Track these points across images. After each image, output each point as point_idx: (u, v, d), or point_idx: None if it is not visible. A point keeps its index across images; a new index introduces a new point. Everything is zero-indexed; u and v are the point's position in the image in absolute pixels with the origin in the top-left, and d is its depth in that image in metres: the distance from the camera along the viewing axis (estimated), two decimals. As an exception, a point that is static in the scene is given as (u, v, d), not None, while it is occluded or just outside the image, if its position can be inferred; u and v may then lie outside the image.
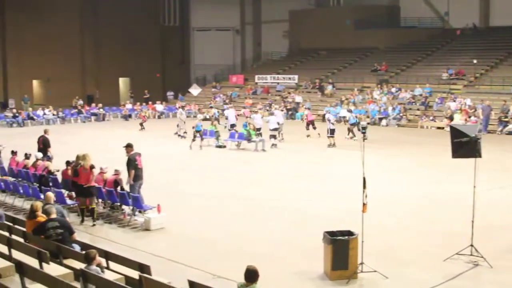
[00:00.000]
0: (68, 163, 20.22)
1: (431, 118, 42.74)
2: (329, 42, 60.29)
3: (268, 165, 27.89)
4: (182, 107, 45.16)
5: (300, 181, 23.71)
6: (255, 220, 17.93)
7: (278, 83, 57.36)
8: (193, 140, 32.49)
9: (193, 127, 32.67)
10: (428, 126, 42.08)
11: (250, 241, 15.68)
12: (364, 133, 13.94)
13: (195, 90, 55.74)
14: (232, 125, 36.60)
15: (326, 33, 60.29)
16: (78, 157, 18.30)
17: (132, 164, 18.35)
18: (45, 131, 26.07)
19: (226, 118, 37.85)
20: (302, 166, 27.23)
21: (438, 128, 40.90)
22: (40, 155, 23.14)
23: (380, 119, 44.21)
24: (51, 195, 14.33)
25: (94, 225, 17.45)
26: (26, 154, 23.79)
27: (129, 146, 18.91)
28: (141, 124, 41.76)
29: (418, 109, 44.99)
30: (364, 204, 13.08)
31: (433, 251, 14.37)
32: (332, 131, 32.67)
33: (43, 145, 25.34)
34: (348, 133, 34.93)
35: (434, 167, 26.09)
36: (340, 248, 12.54)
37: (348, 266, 12.59)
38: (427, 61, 54.05)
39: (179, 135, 37.24)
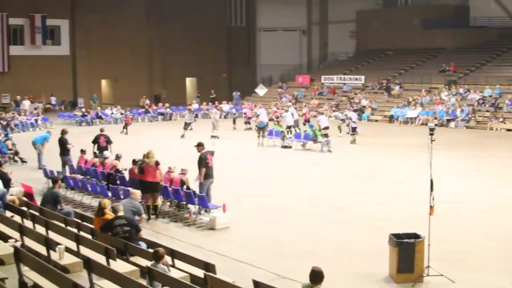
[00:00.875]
0: (134, 161, 20.50)
1: (501, 119, 41.79)
2: (396, 42, 59.66)
3: (333, 166, 27.75)
4: (216, 107, 44.57)
5: (366, 183, 23.53)
6: (320, 221, 17.83)
7: (344, 83, 56.97)
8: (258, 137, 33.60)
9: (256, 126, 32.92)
10: (497, 128, 41.19)
11: (315, 242, 15.61)
12: (431, 134, 13.72)
13: (261, 90, 55.79)
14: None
15: (393, 33, 59.67)
16: (143, 155, 18.61)
17: (203, 162, 18.50)
18: (101, 130, 26.44)
19: (257, 116, 36.98)
20: (368, 167, 26.98)
21: (508, 130, 40.06)
22: (108, 153, 23.56)
23: (448, 120, 43.45)
24: (137, 192, 14.77)
25: (151, 220, 17.83)
26: (94, 153, 24.26)
27: (200, 145, 19.14)
28: (124, 127, 40.81)
29: (487, 111, 44.04)
30: (431, 207, 12.90)
31: (501, 255, 14.08)
32: (354, 129, 34.58)
33: (106, 142, 25.81)
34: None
35: (503, 170, 25.57)
36: (406, 251, 12.37)
37: (414, 269, 12.42)
38: (497, 61, 52.91)
39: (212, 136, 35.15)
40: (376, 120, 47.89)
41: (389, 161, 28.75)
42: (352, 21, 65.04)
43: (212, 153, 18.99)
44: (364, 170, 26.29)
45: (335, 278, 11.96)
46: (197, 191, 18.36)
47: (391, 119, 46.84)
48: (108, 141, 25.82)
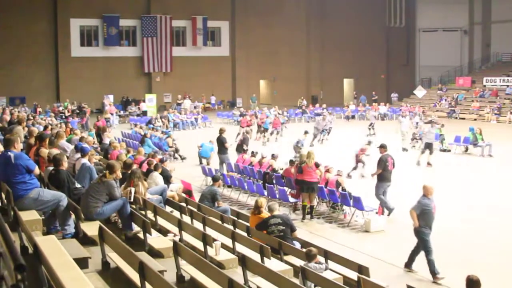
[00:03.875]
0: (291, 162, 20.66)
1: None
2: None
3: (493, 170, 26.71)
4: (403, 116, 38.38)
5: None
6: (481, 229, 17.20)
7: (507, 85, 54.80)
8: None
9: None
10: None
11: (476, 250, 15.10)
12: None
13: (420, 92, 54.70)
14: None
15: (562, 33, 56.82)
16: (302, 155, 18.75)
17: (382, 164, 18.54)
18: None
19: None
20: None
21: None
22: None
23: None
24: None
25: (306, 220, 17.99)
26: (252, 152, 24.64)
27: (382, 147, 19.24)
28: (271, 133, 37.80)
29: None
30: None
31: None
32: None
33: (242, 142, 26.57)
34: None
35: None
36: None
37: None
38: None
39: (403, 149, 32.28)
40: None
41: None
42: (517, 20, 62.48)
43: (392, 157, 18.80)
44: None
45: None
46: (374, 192, 18.49)
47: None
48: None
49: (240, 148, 26.41)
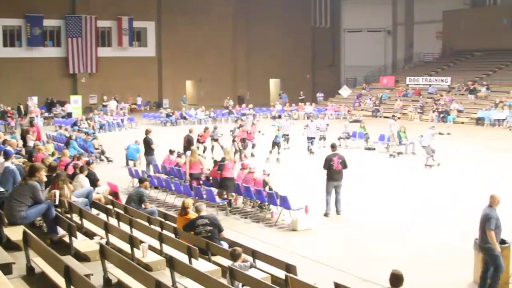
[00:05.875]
0: (215, 162, 20.75)
1: None
2: (484, 42, 58.19)
3: (416, 169, 27.22)
4: (393, 116, 37.00)
5: (460, 186, 23.21)
6: (404, 225, 17.57)
7: (430, 85, 56.06)
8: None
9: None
10: None
11: (397, 244, 15.42)
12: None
13: (345, 92, 55.50)
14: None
15: (481, 34, 58.21)
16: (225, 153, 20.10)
17: (326, 163, 18.77)
18: (190, 131, 26.79)
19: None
20: (458, 171, 26.52)
21: None
22: (189, 153, 23.79)
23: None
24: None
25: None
26: (178, 153, 24.59)
27: (332, 146, 19.68)
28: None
29: None
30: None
31: None
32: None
33: (188, 143, 26.22)
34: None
35: None
36: (492, 257, 12.03)
37: (500, 275, 12.07)
38: None
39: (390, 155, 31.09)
40: (462, 123, 46.87)
41: (476, 165, 28.04)
42: (438, 21, 63.85)
43: (339, 156, 18.93)
44: (456, 175, 25.79)
45: (417, 282, 11.80)
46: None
47: (478, 121, 45.75)
48: (190, 142, 26.21)
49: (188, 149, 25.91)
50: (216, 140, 30.55)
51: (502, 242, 12.22)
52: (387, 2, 68.95)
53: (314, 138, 31.91)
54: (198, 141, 29.05)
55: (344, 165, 18.71)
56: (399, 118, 47.38)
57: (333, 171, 18.58)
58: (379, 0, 67.43)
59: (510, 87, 49.85)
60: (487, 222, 11.73)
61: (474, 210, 18.81)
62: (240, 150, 29.60)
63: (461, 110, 48.21)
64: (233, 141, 29.82)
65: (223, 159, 20.09)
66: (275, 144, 29.47)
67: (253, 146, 30.77)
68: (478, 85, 52.41)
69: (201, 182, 20.82)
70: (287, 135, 32.66)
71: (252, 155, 30.28)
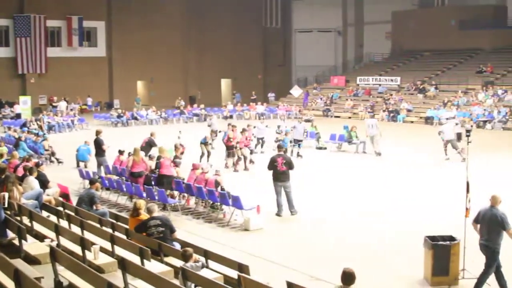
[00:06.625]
0: (158, 158, 20.81)
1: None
2: (433, 43, 59.15)
3: (367, 169, 27.49)
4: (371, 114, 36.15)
5: (399, 185, 23.43)
6: (356, 224, 17.73)
7: (380, 84, 56.69)
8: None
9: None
10: (535, 130, 40.83)
11: (350, 244, 15.55)
12: (468, 136, 13.62)
13: (296, 91, 55.69)
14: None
15: (429, 34, 59.16)
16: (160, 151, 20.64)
17: (270, 164, 18.84)
18: (151, 134, 26.59)
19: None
20: (401, 171, 26.79)
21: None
22: (142, 153, 23.64)
23: (485, 122, 42.98)
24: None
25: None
26: (129, 153, 24.40)
27: (278, 147, 19.97)
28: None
29: (525, 112, 43.58)
30: (467, 209, 12.78)
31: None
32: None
33: (147, 144, 25.90)
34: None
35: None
36: (441, 254, 12.26)
37: (449, 272, 12.30)
38: (535, 62, 52.34)
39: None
40: (412, 122, 47.51)
41: (421, 164, 28.38)
42: (388, 22, 64.66)
43: (283, 157, 18.93)
44: (400, 174, 26.12)
45: (369, 280, 11.93)
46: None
47: (427, 120, 46.41)
48: (151, 144, 25.91)
49: (147, 151, 25.49)
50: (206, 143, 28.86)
51: (452, 239, 12.45)
52: (337, 3, 69.53)
53: (301, 141, 30.91)
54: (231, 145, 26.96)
55: (289, 166, 18.76)
56: (349, 117, 47.94)
57: (278, 172, 18.62)
58: (330, 1, 67.95)
59: (458, 86, 50.66)
60: (504, 223, 11.60)
61: (426, 207, 19.28)
62: (245, 158, 27.01)
63: (410, 109, 48.82)
64: (234, 147, 26.87)
65: (158, 157, 20.33)
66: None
67: (251, 152, 28.31)
68: (427, 84, 53.18)
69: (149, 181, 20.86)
70: (262, 138, 31.59)
71: (251, 161, 27.85)
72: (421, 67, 59.23)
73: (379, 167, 27.63)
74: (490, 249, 11.76)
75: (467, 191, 12.79)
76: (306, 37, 71.10)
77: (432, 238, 12.50)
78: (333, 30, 71.13)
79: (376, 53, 66.46)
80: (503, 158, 29.29)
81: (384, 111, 49.27)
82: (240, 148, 26.85)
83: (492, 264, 11.76)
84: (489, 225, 11.75)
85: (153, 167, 21.11)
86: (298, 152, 30.13)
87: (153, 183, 20.56)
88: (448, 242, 12.34)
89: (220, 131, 31.68)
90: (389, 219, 18.15)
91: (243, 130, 27.68)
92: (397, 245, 15.26)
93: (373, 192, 22.19)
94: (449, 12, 61.42)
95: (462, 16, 58.35)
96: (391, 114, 48.63)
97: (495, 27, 56.72)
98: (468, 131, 14.00)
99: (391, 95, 52.73)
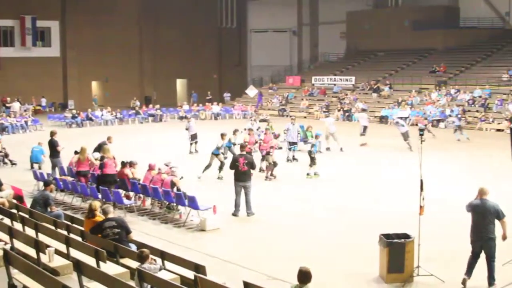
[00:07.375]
0: (123, 163, 20.58)
1: (490, 120, 42.07)
2: (386, 43, 59.89)
3: (323, 167, 27.63)
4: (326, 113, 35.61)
5: (355, 183, 23.64)
6: (311, 222, 17.85)
7: (335, 84, 57.12)
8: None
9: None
10: (487, 128, 41.46)
11: (306, 243, 15.63)
12: (421, 135, 13.81)
13: (251, 91, 55.84)
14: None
15: (383, 34, 59.92)
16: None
17: (232, 164, 18.95)
18: (108, 138, 26.22)
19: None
20: (354, 168, 27.18)
21: (498, 130, 40.30)
22: (97, 155, 23.41)
23: (438, 121, 43.56)
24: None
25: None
26: (75, 151, 24.17)
27: (241, 147, 20.17)
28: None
29: (477, 111, 44.27)
30: (421, 207, 12.95)
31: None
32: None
33: (99, 147, 25.65)
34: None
35: (492, 170, 25.59)
36: (396, 251, 12.40)
37: (404, 269, 12.45)
38: (486, 62, 53.22)
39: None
40: (367, 121, 47.89)
41: (374, 162, 28.70)
42: (342, 22, 65.20)
43: (244, 157, 18.91)
44: (352, 171, 26.38)
45: (325, 279, 12.03)
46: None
47: (381, 119, 46.90)
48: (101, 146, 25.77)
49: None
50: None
51: (406, 236, 12.61)
52: (293, 3, 69.85)
53: (296, 143, 29.98)
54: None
55: (250, 166, 18.81)
56: (305, 117, 48.17)
57: (239, 172, 18.67)
58: (285, 1, 68.26)
59: (412, 86, 51.29)
60: (499, 213, 12.03)
61: (381, 205, 19.49)
62: (275, 163, 25.32)
63: (365, 108, 49.22)
64: (267, 153, 25.51)
65: (102, 158, 20.51)
66: (311, 156, 25.24)
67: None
68: (381, 84, 53.73)
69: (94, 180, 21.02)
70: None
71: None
72: (375, 67, 59.84)
73: (337, 164, 27.83)
74: (493, 240, 12.09)
75: (421, 189, 12.95)
76: (261, 37, 71.30)
77: (387, 236, 12.63)
78: (288, 30, 71.45)
79: (331, 53, 66.98)
80: (454, 157, 29.80)
81: (339, 110, 49.64)
82: (268, 154, 25.49)
83: (495, 250, 12.11)
84: (485, 216, 12.09)
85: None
86: (293, 156, 29.49)
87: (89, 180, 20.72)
88: (402, 240, 12.48)
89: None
90: (344, 217, 18.31)
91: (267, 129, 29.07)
92: (353, 244, 15.38)
93: (330, 190, 22.38)
94: (402, 13, 62.23)
95: (415, 16, 59.17)
96: (346, 114, 49.02)
97: (447, 28, 57.61)
98: (421, 130, 14.17)
99: (346, 94, 53.20)
